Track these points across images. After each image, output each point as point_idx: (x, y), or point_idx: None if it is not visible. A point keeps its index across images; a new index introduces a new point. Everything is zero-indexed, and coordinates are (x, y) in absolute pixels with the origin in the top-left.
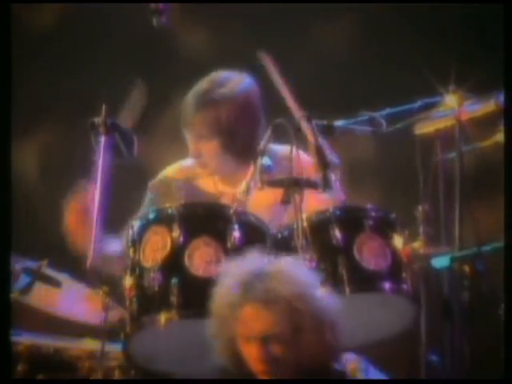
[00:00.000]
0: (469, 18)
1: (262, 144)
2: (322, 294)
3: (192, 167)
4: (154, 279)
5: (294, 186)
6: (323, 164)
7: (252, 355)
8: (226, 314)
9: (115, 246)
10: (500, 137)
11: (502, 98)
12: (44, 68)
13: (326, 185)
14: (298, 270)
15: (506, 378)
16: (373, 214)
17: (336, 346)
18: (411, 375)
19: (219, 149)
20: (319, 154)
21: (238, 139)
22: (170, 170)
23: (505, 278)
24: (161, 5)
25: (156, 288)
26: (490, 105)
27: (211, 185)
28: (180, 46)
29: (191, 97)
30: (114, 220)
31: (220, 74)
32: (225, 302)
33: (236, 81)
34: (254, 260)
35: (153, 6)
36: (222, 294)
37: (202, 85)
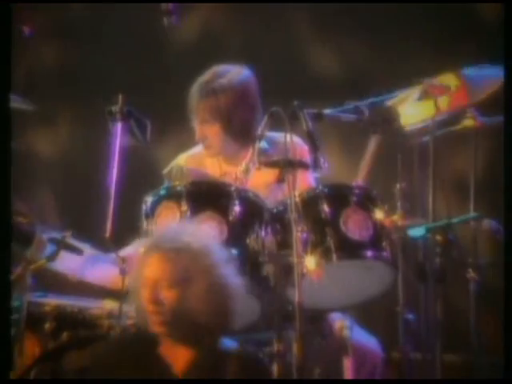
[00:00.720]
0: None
1: (259, 129)
2: (227, 267)
3: (199, 155)
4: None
5: (287, 166)
6: (314, 147)
7: (145, 297)
8: (138, 265)
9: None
10: (468, 122)
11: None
12: (65, 60)
13: (316, 165)
14: (210, 237)
15: (505, 378)
16: (357, 190)
17: (224, 318)
18: (390, 331)
19: (221, 132)
20: (310, 138)
21: (237, 123)
22: (181, 159)
23: (505, 277)
24: (171, 5)
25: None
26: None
27: (216, 166)
28: (187, 42)
29: (195, 87)
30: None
31: (220, 67)
32: (140, 254)
33: (234, 72)
34: (176, 225)
35: (163, 6)
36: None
37: (204, 76)
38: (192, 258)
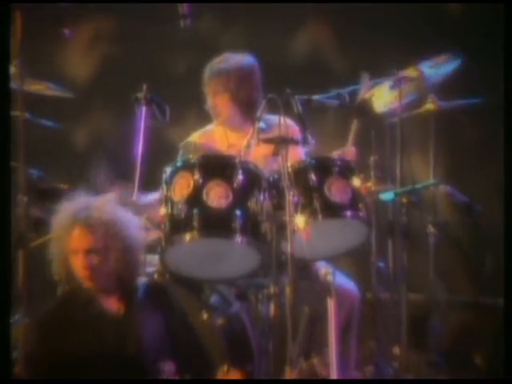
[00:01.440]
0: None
1: (258, 112)
2: (131, 230)
3: (209, 132)
4: (181, 209)
5: (281, 142)
6: (303, 127)
7: (78, 264)
8: (61, 236)
9: (154, 195)
10: (429, 106)
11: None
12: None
13: (305, 142)
14: (113, 207)
15: (505, 378)
16: (338, 162)
17: (135, 266)
18: (364, 278)
19: (229, 101)
20: (300, 119)
21: (243, 96)
22: (194, 136)
23: (505, 277)
24: (186, 9)
25: (182, 216)
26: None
27: (224, 139)
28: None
29: (208, 67)
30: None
31: (231, 54)
32: (60, 227)
33: (242, 57)
34: (83, 199)
35: (180, 10)
36: (58, 221)
37: (217, 59)
38: (105, 229)
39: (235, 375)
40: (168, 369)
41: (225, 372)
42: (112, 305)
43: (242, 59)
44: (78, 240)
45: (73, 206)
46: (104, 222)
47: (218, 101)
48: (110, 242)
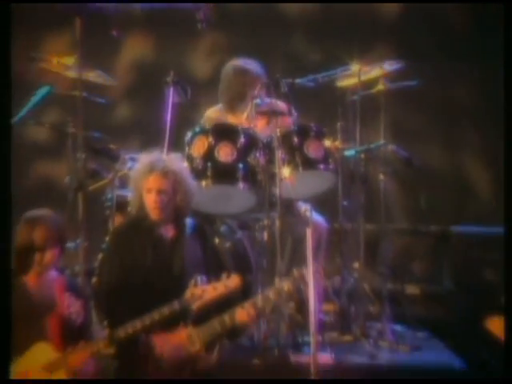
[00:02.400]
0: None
1: (256, 92)
2: (189, 179)
3: (219, 110)
4: (198, 163)
5: (273, 114)
6: (288, 102)
7: (150, 200)
8: (140, 178)
9: None
10: (380, 86)
11: (386, 65)
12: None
13: (290, 114)
14: (180, 162)
15: (506, 378)
16: (314, 128)
17: (189, 206)
18: (332, 213)
19: (240, 89)
20: (286, 96)
21: (251, 87)
22: (209, 111)
23: (505, 275)
24: (202, 16)
25: (199, 168)
26: (379, 69)
27: (230, 112)
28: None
29: (229, 69)
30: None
31: (246, 60)
32: (140, 172)
33: (256, 66)
34: (157, 154)
35: (197, 16)
36: (139, 168)
37: (236, 62)
38: (176, 177)
39: (235, 280)
40: (201, 278)
41: (225, 277)
42: (167, 231)
43: (257, 68)
44: (153, 182)
45: (150, 157)
46: (174, 171)
47: (234, 94)
48: (176, 186)
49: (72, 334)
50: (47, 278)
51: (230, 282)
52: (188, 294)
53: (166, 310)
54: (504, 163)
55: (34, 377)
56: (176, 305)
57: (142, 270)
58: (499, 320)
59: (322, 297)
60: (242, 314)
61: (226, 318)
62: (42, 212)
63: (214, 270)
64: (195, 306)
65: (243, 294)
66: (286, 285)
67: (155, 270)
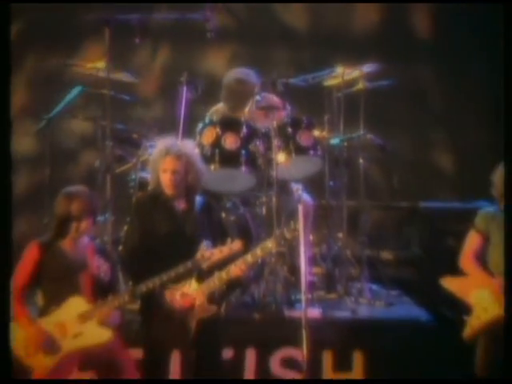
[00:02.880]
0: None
1: (256, 90)
2: (199, 162)
3: (223, 107)
4: (208, 150)
5: (270, 108)
6: (282, 98)
7: (165, 178)
8: (157, 160)
9: None
10: (360, 85)
11: (365, 68)
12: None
13: (284, 108)
14: (192, 147)
15: (506, 378)
16: (305, 120)
17: (199, 184)
18: (320, 192)
19: (244, 100)
20: (282, 94)
21: (250, 94)
22: (217, 106)
23: (505, 275)
24: (211, 26)
25: (209, 154)
26: (358, 71)
27: (233, 110)
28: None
29: (231, 77)
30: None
31: (243, 70)
32: (157, 155)
33: (253, 76)
34: (173, 140)
35: (207, 26)
36: (156, 151)
37: (235, 73)
38: (188, 159)
39: (238, 244)
40: (207, 243)
41: (230, 242)
42: (179, 205)
43: (253, 77)
44: (168, 164)
45: (166, 143)
46: (186, 154)
47: (236, 100)
48: (188, 167)
49: (101, 290)
50: (81, 244)
51: (234, 245)
52: (199, 255)
53: (180, 269)
54: (504, 163)
55: (70, 326)
56: (189, 264)
57: (159, 237)
58: (455, 279)
59: (312, 261)
60: (235, 269)
61: (223, 274)
62: (78, 188)
63: (220, 238)
64: (205, 265)
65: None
66: (269, 243)
67: (170, 237)
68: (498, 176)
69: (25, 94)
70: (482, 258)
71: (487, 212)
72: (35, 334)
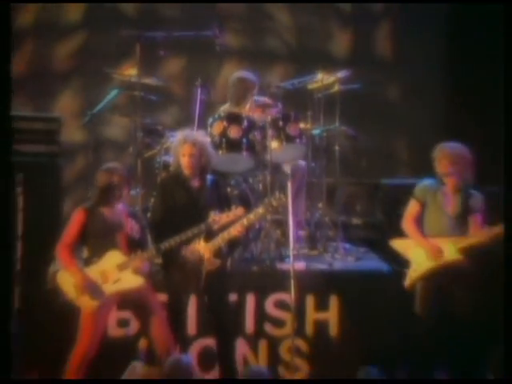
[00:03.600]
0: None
1: (254, 92)
2: (210, 147)
3: (229, 106)
4: (217, 139)
5: (265, 106)
6: (274, 99)
7: (184, 161)
8: (177, 147)
9: None
10: (336, 88)
11: (339, 74)
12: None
13: (276, 106)
14: (204, 136)
15: (506, 378)
16: (293, 115)
17: (210, 165)
18: (302, 175)
19: (243, 91)
20: (275, 94)
21: (250, 90)
22: (222, 107)
23: (505, 275)
24: (219, 41)
25: (217, 142)
26: (334, 77)
27: (236, 107)
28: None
29: (235, 78)
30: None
31: (244, 72)
32: (178, 143)
33: (254, 77)
34: (189, 131)
35: (216, 41)
36: (177, 140)
37: (238, 74)
38: (201, 146)
39: (241, 210)
40: (215, 212)
41: (234, 209)
42: (195, 182)
43: (254, 77)
44: (186, 149)
45: (184, 133)
46: (200, 142)
47: (240, 97)
48: (202, 152)
49: (134, 246)
50: (117, 209)
51: (237, 211)
52: (210, 219)
53: (195, 230)
54: (504, 163)
55: (110, 274)
56: (202, 226)
57: (179, 207)
58: (400, 240)
59: (300, 226)
60: (234, 230)
61: (225, 234)
62: (115, 164)
63: (226, 208)
64: (214, 227)
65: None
66: (260, 209)
67: (187, 207)
68: (436, 153)
69: (75, 96)
70: (419, 223)
71: (425, 184)
72: (82, 279)
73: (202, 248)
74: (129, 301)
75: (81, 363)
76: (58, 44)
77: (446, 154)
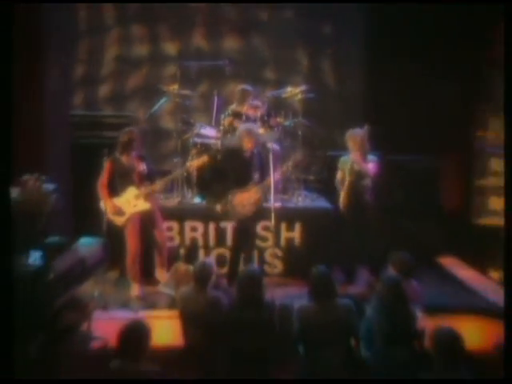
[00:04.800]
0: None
1: (251, 94)
2: (257, 133)
3: (235, 106)
4: (227, 128)
5: (257, 107)
6: (264, 102)
7: (248, 144)
8: (242, 134)
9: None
10: (299, 96)
11: (301, 87)
12: None
13: (264, 106)
14: (256, 128)
15: (506, 378)
16: (273, 113)
17: (256, 145)
18: (278, 150)
19: (243, 97)
20: (263, 100)
21: (248, 96)
22: (231, 107)
23: (505, 275)
24: (228, 67)
25: (228, 130)
26: (298, 89)
27: (239, 107)
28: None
29: (240, 89)
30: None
31: (245, 85)
32: (244, 131)
33: (250, 87)
34: (249, 124)
35: (226, 68)
36: (243, 129)
37: (240, 86)
38: (257, 136)
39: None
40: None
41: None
42: (247, 154)
43: (248, 86)
44: (251, 138)
45: (249, 126)
46: (256, 133)
47: (245, 102)
48: (257, 138)
49: (144, 181)
50: (132, 157)
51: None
52: (266, 181)
53: (251, 186)
54: (504, 163)
55: (131, 201)
56: (260, 186)
57: (236, 168)
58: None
59: (277, 181)
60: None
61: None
62: (132, 128)
63: (264, 170)
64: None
65: None
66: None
67: (242, 168)
68: (346, 136)
69: (142, 101)
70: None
71: (343, 158)
72: (112, 206)
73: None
74: (144, 217)
75: (134, 259)
76: (133, 73)
77: (351, 137)
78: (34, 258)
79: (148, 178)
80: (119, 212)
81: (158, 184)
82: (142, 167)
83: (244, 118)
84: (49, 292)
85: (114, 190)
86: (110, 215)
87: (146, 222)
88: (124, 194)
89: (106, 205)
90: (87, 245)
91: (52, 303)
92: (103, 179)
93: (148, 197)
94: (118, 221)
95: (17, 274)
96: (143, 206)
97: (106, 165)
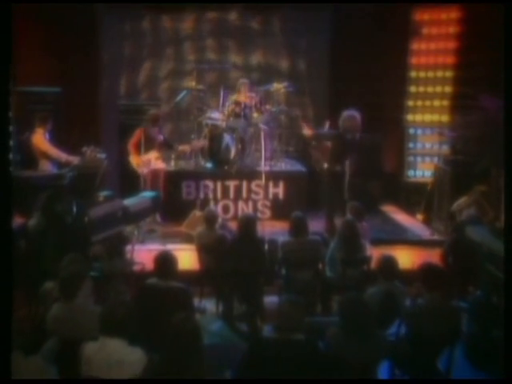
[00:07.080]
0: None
1: (247, 89)
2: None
3: (236, 95)
4: (230, 114)
5: (252, 97)
6: (259, 96)
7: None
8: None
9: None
10: (283, 90)
11: (284, 83)
12: None
13: (257, 96)
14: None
15: (506, 378)
16: (263, 101)
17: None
18: (267, 129)
19: (243, 89)
20: (256, 91)
21: (246, 88)
22: (233, 97)
23: (505, 274)
24: (230, 68)
25: (231, 114)
26: (282, 85)
27: (240, 96)
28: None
29: (241, 83)
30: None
31: (244, 79)
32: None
33: (247, 81)
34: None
35: (230, 69)
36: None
37: (241, 80)
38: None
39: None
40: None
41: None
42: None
43: (246, 81)
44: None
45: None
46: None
47: (243, 92)
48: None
49: (160, 147)
50: (156, 129)
51: None
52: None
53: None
54: (505, 163)
55: (151, 160)
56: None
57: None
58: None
59: (266, 152)
60: None
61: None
62: (157, 110)
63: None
64: None
65: None
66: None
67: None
68: (341, 117)
69: (171, 95)
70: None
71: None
72: (138, 160)
73: None
74: (159, 174)
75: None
76: (165, 81)
77: (345, 118)
78: (74, 206)
79: (165, 146)
80: (142, 165)
81: (177, 151)
82: (160, 137)
83: (243, 105)
84: (86, 229)
85: (139, 150)
86: (135, 166)
87: (159, 178)
88: (146, 155)
89: (133, 159)
90: (145, 197)
91: (88, 237)
92: (134, 140)
93: (161, 158)
94: (141, 171)
95: (59, 218)
96: (158, 164)
97: (137, 132)
